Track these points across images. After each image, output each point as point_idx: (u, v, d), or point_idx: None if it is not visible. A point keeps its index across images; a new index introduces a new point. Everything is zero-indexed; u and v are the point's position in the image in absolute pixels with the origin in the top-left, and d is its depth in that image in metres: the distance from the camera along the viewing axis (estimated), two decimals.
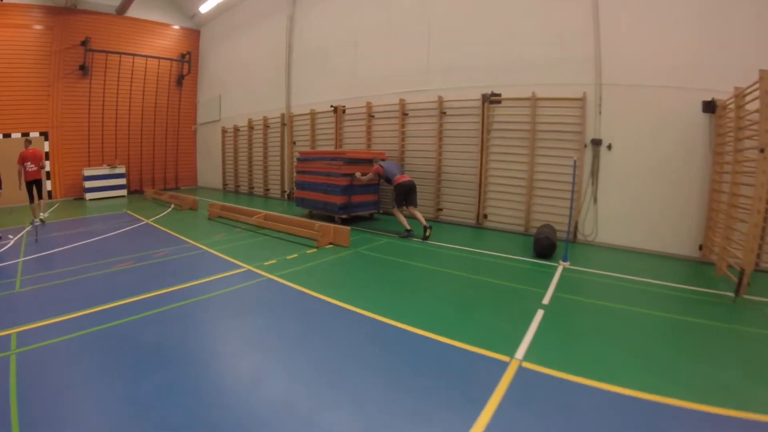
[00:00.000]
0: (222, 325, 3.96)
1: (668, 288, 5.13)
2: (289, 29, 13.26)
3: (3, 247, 7.12)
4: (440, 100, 9.28)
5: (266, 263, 5.86)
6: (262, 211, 8.95)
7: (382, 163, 8.33)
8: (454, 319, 4.07)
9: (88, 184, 14.84)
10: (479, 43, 8.82)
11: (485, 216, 8.85)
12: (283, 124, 13.64)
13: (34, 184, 9.24)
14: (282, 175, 13.96)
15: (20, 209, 11.75)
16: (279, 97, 13.79)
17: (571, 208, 6.46)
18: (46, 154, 14.45)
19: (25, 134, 13.94)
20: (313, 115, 12.37)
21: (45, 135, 14.44)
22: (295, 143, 13.20)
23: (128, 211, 11.43)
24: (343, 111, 11.47)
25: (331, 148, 11.67)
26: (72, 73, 14.84)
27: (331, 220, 8.92)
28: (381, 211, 9.97)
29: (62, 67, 14.59)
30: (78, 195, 15.12)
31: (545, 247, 6.37)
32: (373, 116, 10.76)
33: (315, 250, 6.66)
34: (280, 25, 13.52)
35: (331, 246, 6.92)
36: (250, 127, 15.26)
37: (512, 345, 3.47)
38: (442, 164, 9.47)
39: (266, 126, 14.42)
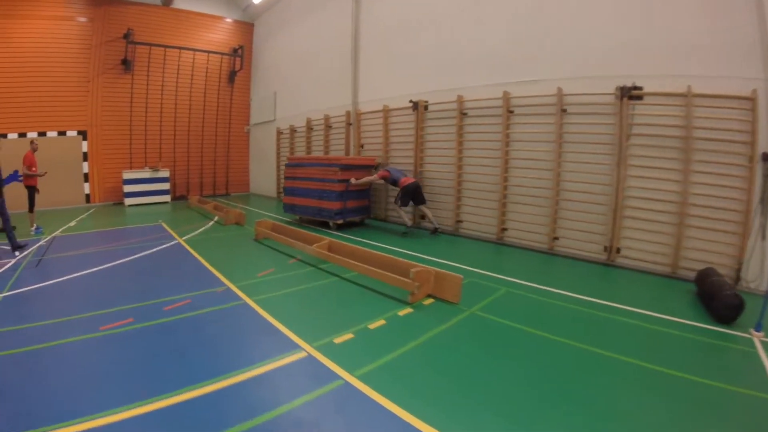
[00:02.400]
0: None
1: None
2: (354, 12, 11.06)
3: (2, 267, 5.82)
4: (560, 93, 6.73)
5: (337, 339, 3.51)
6: (325, 237, 6.56)
7: (389, 167, 8.81)
8: None
9: (127, 188, 13.38)
10: (610, 15, 6.40)
11: (618, 250, 6.24)
12: (349, 124, 11.33)
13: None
14: None
15: (51, 213, 11.09)
16: (344, 93, 11.55)
17: None
18: (84, 154, 13.15)
19: (62, 133, 12.65)
20: (386, 112, 9.98)
21: (83, 134, 13.10)
22: (363, 146, 10.85)
23: (163, 224, 9.60)
24: (426, 107, 9.05)
25: (411, 153, 9.36)
26: (113, 68, 13.50)
27: (324, 225, 9.10)
28: (372, 216, 10.20)
29: (103, 62, 13.29)
30: (117, 200, 13.72)
31: (733, 308, 4.12)
32: (465, 114, 8.27)
33: (410, 309, 4.25)
34: (345, 8, 11.35)
35: (431, 301, 4.49)
36: (309, 128, 13.15)
37: None
38: (561, 179, 6.88)
39: (328, 126, 12.23)
